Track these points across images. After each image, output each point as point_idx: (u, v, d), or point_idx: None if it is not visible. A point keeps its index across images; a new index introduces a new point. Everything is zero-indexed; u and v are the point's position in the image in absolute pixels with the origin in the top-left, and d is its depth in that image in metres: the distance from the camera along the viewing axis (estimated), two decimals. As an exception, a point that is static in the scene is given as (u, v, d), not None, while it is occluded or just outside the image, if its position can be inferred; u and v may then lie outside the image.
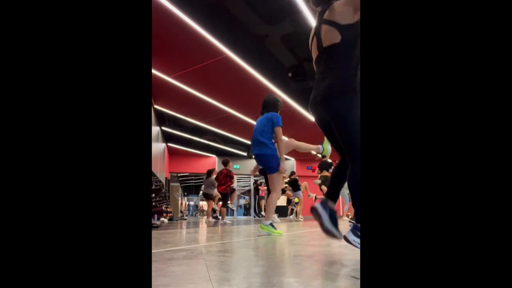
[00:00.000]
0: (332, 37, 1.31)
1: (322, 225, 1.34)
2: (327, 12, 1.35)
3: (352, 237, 1.21)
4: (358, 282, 0.90)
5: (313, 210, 1.34)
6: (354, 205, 1.29)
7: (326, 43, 1.34)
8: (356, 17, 1.29)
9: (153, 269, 1.10)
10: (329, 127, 1.36)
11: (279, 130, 2.74)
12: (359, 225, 1.23)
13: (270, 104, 2.89)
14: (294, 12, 3.27)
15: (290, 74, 4.53)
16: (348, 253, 1.50)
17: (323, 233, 1.36)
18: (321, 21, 1.38)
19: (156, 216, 5.32)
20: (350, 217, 4.84)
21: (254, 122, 6.89)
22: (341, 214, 6.86)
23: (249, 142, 8.70)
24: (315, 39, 1.42)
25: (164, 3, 3.08)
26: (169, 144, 9.35)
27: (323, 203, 1.35)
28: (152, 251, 1.62)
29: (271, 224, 2.79)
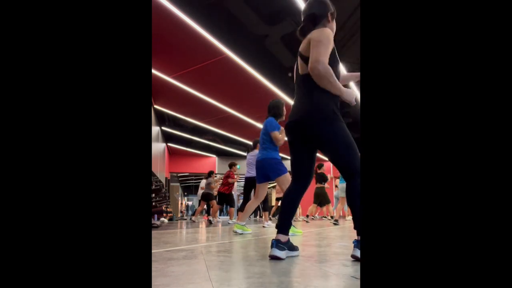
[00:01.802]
0: (304, 68, 1.40)
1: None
2: (302, 42, 1.44)
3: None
4: (358, 282, 0.90)
5: (273, 258, 1.36)
6: (355, 219, 1.31)
7: (300, 71, 1.44)
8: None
9: (153, 269, 1.10)
10: (305, 147, 1.42)
11: (274, 134, 2.80)
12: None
13: (272, 107, 2.96)
14: (294, 12, 3.26)
15: (290, 74, 4.52)
16: (348, 253, 1.49)
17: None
18: (298, 50, 1.46)
19: (156, 216, 5.32)
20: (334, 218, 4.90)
21: (254, 122, 6.92)
22: (341, 214, 6.90)
23: (249, 142, 8.70)
24: (296, 63, 1.50)
25: (164, 3, 3.08)
26: (169, 144, 9.35)
27: (277, 246, 1.37)
28: (152, 251, 1.62)
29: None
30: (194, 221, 6.28)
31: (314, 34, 1.33)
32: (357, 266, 1.14)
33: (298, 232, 2.90)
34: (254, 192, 3.13)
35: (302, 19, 1.50)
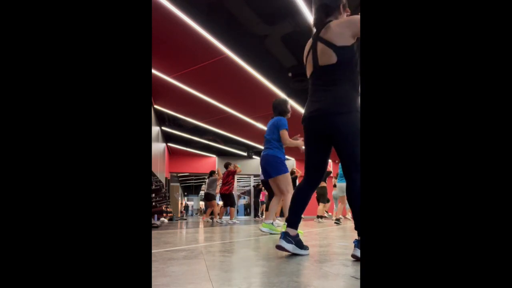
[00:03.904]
0: (327, 57, 1.34)
1: (293, 253, 1.42)
2: (323, 30, 1.37)
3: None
4: (358, 282, 0.90)
5: (280, 248, 1.38)
6: (355, 218, 1.31)
7: (322, 62, 1.36)
8: (353, 40, 1.32)
9: (153, 269, 1.10)
10: (321, 141, 1.40)
11: (283, 133, 2.80)
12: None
13: (278, 105, 2.95)
14: (294, 12, 3.26)
15: (290, 74, 4.53)
16: (348, 253, 1.49)
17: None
18: (317, 38, 1.39)
19: (156, 216, 5.32)
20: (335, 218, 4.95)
21: (254, 122, 6.92)
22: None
23: (249, 142, 8.70)
24: (310, 53, 1.43)
25: (164, 3, 3.08)
26: (169, 144, 9.35)
27: (285, 238, 1.38)
28: (152, 251, 1.62)
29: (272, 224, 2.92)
30: (210, 220, 6.23)
31: (344, 19, 1.33)
32: (357, 266, 1.14)
33: (299, 233, 2.90)
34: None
35: (314, 9, 1.46)
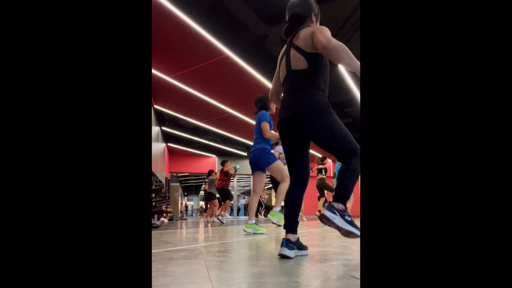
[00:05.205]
0: (299, 62, 1.38)
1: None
2: (295, 37, 1.42)
3: (328, 213, 1.24)
4: (358, 282, 0.90)
5: (283, 256, 1.34)
6: (337, 188, 1.31)
7: (294, 66, 1.41)
8: (315, 49, 1.34)
9: (153, 269, 1.10)
10: (300, 142, 1.43)
11: (264, 125, 2.85)
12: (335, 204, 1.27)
13: (259, 101, 3.05)
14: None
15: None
16: (348, 253, 1.50)
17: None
18: (290, 44, 1.44)
19: (156, 216, 5.32)
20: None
21: (254, 122, 6.92)
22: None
23: (249, 142, 8.70)
24: (284, 59, 1.48)
25: (164, 3, 3.08)
26: (169, 144, 9.35)
27: (287, 245, 1.36)
28: (152, 251, 1.62)
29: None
30: (214, 221, 6.18)
31: (315, 27, 1.35)
32: (357, 266, 1.14)
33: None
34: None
35: (286, 19, 1.50)
